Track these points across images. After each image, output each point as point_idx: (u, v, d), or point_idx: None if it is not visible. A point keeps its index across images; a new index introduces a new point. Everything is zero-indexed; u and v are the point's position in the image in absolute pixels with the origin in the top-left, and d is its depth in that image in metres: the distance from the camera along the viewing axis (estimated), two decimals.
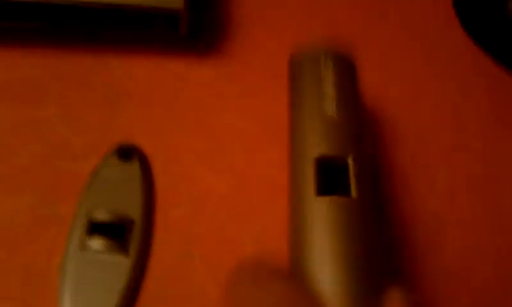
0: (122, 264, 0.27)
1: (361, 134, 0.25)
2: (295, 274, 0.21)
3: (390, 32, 0.38)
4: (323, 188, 0.23)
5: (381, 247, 0.26)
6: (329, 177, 0.23)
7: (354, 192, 0.22)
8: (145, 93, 0.34)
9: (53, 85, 0.33)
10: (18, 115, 0.32)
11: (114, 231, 0.28)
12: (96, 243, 0.27)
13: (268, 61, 0.36)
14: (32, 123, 0.32)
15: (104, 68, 0.34)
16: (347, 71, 0.27)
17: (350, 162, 0.23)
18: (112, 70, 0.34)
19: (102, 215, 0.28)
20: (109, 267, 0.27)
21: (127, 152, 0.31)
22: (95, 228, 0.28)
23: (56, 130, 0.32)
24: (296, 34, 0.37)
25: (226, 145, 0.32)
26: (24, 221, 0.29)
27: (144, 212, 0.29)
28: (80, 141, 0.32)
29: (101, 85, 0.33)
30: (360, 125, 0.26)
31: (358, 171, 0.23)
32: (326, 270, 0.20)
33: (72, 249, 0.27)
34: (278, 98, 0.34)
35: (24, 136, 0.31)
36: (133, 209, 0.29)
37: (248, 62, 0.35)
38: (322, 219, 0.21)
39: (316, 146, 0.24)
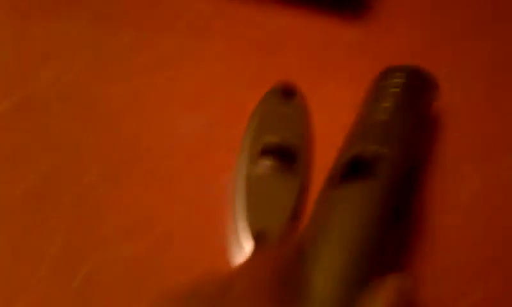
0: (292, 183, 0.29)
1: (406, 135, 0.27)
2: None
3: None
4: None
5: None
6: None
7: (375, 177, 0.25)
8: (299, 43, 0.36)
9: (217, 22, 0.36)
10: (187, 45, 0.35)
11: (282, 155, 0.30)
12: (268, 162, 0.30)
13: (411, 26, 0.37)
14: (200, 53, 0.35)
15: (264, 15, 0.36)
16: (411, 84, 0.30)
17: (382, 152, 0.26)
18: (272, 17, 0.36)
19: (272, 138, 0.30)
20: (280, 185, 0.29)
21: (289, 90, 0.33)
22: (266, 150, 0.30)
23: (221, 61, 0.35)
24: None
25: None
26: (197, 137, 0.32)
27: (307, 142, 0.31)
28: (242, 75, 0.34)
29: (261, 29, 0.36)
30: (408, 128, 0.28)
31: (389, 164, 0.25)
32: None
33: (244, 166, 0.30)
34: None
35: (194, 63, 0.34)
36: (297, 138, 0.31)
37: (392, 29, 0.37)
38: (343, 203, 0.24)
39: (355, 143, 0.27)
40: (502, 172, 0.32)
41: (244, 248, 0.28)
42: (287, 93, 0.33)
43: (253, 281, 0.19)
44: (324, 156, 0.28)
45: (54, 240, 0.28)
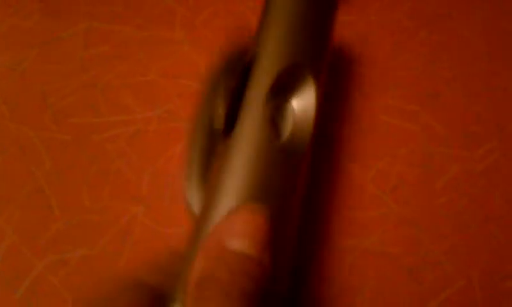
0: None
1: None
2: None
3: None
4: None
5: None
6: None
7: None
8: None
9: (181, 11, 0.34)
10: (146, 34, 0.33)
11: None
12: None
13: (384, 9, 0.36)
14: (161, 43, 0.32)
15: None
16: None
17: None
18: (235, 2, 0.35)
19: None
20: None
21: None
22: None
23: (183, 51, 0.32)
24: None
25: None
26: (154, 130, 0.29)
27: None
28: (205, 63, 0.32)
29: (223, 15, 0.34)
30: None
31: None
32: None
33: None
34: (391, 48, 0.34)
35: (154, 54, 0.32)
36: None
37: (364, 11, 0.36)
38: None
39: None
40: (479, 159, 0.30)
41: None
42: None
43: None
44: None
45: None
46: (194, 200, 0.22)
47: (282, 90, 0.23)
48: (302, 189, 0.22)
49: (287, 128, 0.23)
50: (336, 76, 0.32)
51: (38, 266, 0.26)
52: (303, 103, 0.23)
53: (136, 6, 0.34)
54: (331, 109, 0.31)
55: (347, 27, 0.34)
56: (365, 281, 0.26)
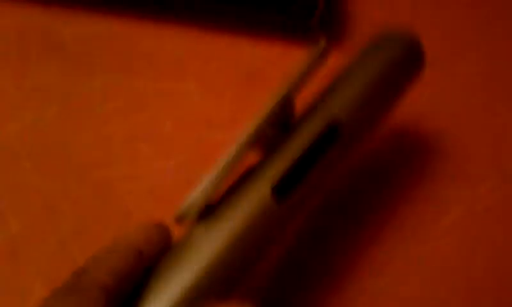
0: None
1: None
2: None
3: None
4: None
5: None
6: None
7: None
8: (271, 76, 0.36)
9: (191, 61, 0.35)
10: (160, 87, 0.34)
11: None
12: None
13: None
14: (174, 95, 0.34)
15: (238, 50, 0.36)
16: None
17: None
18: (244, 50, 0.36)
19: None
20: None
21: None
22: None
23: (195, 102, 0.34)
24: None
25: None
26: (169, 181, 0.31)
27: None
28: (218, 113, 0.34)
29: (235, 65, 0.36)
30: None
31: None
32: None
33: None
34: None
35: (167, 105, 0.34)
36: None
37: None
38: None
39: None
40: (482, 197, 0.31)
41: None
42: None
43: None
44: None
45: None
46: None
47: None
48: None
49: None
50: None
51: None
52: None
53: (148, 59, 0.35)
54: None
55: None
56: None
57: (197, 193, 0.20)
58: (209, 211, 0.21)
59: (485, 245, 0.30)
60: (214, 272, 0.20)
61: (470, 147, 0.33)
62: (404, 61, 0.25)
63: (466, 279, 0.29)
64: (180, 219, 0.21)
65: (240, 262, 0.20)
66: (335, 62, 0.36)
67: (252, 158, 0.23)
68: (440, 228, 0.30)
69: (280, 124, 0.22)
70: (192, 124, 0.33)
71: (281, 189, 0.21)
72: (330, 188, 0.26)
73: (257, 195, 0.21)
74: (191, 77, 0.35)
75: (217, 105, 0.34)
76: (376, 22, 0.38)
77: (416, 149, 0.33)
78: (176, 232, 0.22)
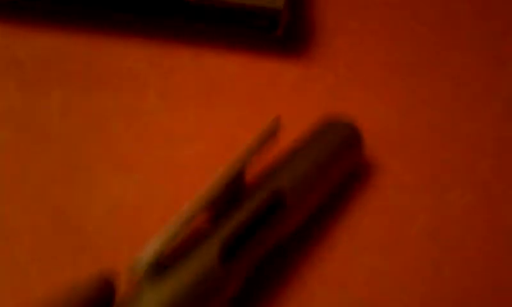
0: None
1: None
2: None
3: None
4: None
5: None
6: None
7: None
8: (236, 89, 0.35)
9: (152, 75, 0.35)
10: (120, 103, 0.33)
11: None
12: None
13: (353, 67, 0.37)
14: (134, 110, 0.33)
15: (200, 64, 0.35)
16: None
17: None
18: (209, 65, 0.35)
19: None
20: None
21: None
22: None
23: (157, 117, 0.33)
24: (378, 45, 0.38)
25: None
26: (129, 200, 0.30)
27: None
28: (180, 127, 0.33)
29: (198, 79, 0.35)
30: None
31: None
32: None
33: None
34: (365, 104, 0.35)
35: (128, 122, 0.33)
36: None
37: (331, 68, 0.37)
38: None
39: None
40: (450, 204, 0.31)
41: None
42: None
43: None
44: None
45: None
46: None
47: None
48: None
49: None
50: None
51: None
52: None
53: (108, 75, 0.34)
54: None
55: (315, 80, 0.35)
56: None
57: (146, 252, 0.22)
58: (157, 269, 0.23)
59: (452, 255, 0.29)
60: None
61: (439, 155, 0.33)
62: (344, 144, 0.29)
63: (431, 291, 0.28)
64: (132, 273, 0.22)
65: None
66: (302, 73, 0.36)
67: (202, 221, 0.26)
68: (405, 239, 0.30)
69: (230, 193, 0.25)
70: (153, 140, 0.32)
71: (227, 252, 0.25)
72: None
73: (204, 257, 0.23)
74: (152, 92, 0.34)
75: (180, 119, 0.33)
76: (343, 31, 0.38)
77: (381, 159, 0.33)
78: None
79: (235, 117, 0.34)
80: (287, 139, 0.33)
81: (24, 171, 0.31)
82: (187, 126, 0.33)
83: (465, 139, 0.34)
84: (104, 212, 0.30)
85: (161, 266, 0.23)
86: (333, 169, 0.29)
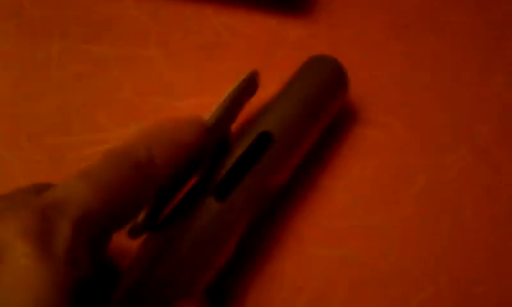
0: None
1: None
2: None
3: None
4: None
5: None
6: None
7: None
8: (238, 44, 0.35)
9: (153, 27, 0.34)
10: (120, 52, 0.33)
11: None
12: None
13: (355, 27, 0.37)
14: (135, 61, 0.33)
15: (203, 18, 0.35)
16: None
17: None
18: (211, 21, 0.35)
19: None
20: None
21: None
22: None
23: (157, 69, 0.33)
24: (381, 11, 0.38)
25: None
26: None
27: None
28: (180, 81, 0.33)
29: (200, 33, 0.35)
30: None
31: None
32: None
33: None
34: (366, 64, 0.35)
35: (128, 71, 0.32)
36: None
37: (334, 27, 0.36)
38: None
39: None
40: (449, 166, 0.31)
41: None
42: None
43: None
44: None
45: None
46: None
47: None
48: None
49: None
50: None
51: None
52: None
53: (109, 26, 0.34)
54: None
55: (317, 39, 0.35)
56: (337, 290, 0.27)
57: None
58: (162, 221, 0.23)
59: (450, 215, 0.29)
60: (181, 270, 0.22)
61: (440, 117, 0.33)
62: (329, 82, 0.29)
63: (429, 249, 0.28)
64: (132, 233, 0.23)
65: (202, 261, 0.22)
66: (300, 33, 0.36)
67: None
68: (404, 198, 0.30)
69: (218, 144, 0.26)
70: (152, 91, 0.32)
71: (222, 190, 0.25)
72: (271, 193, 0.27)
73: (202, 199, 0.23)
74: (154, 44, 0.34)
75: (180, 73, 0.33)
76: None
77: (382, 119, 0.32)
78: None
79: (235, 72, 0.33)
80: None
81: (22, 115, 0.31)
82: (187, 78, 0.33)
83: (466, 102, 0.33)
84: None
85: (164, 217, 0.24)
86: (319, 102, 0.28)
